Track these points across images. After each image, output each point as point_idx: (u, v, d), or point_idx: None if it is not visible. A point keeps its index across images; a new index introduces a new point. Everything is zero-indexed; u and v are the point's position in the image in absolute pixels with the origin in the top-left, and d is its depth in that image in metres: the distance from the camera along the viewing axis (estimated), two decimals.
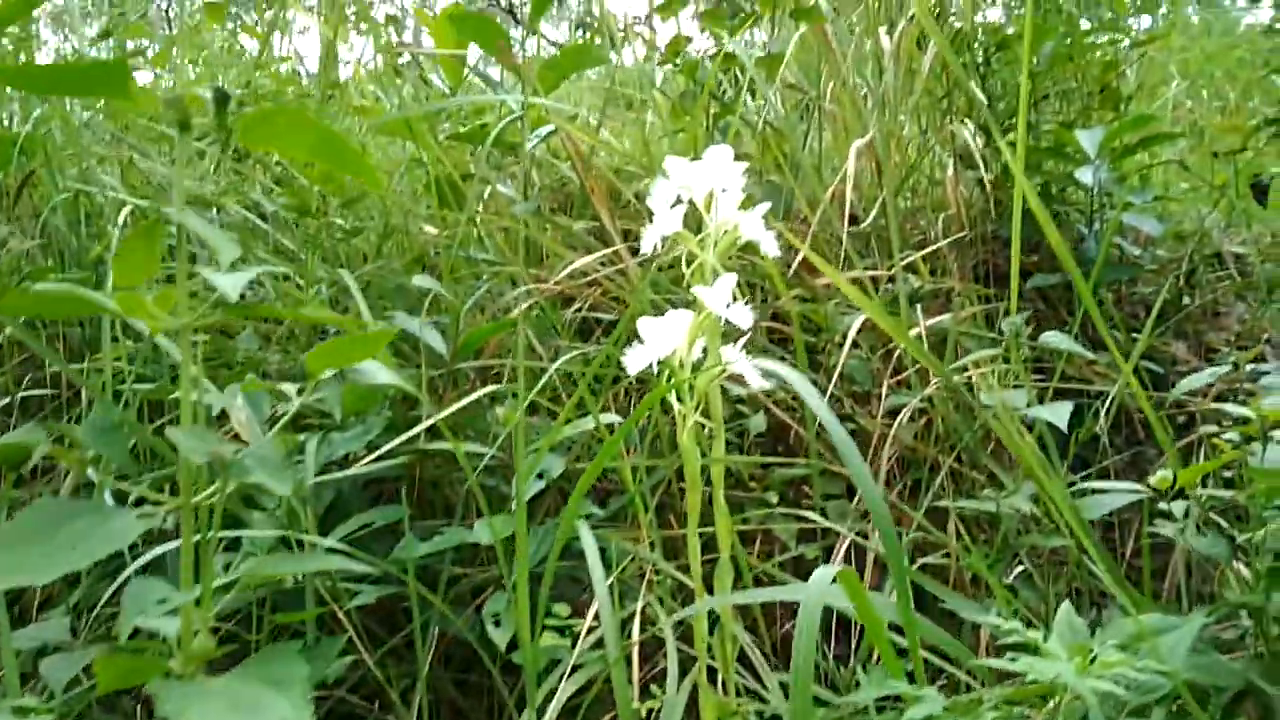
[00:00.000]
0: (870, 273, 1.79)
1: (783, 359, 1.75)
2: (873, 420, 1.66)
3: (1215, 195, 2.03)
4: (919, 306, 1.73)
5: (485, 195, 1.90)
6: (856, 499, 1.57)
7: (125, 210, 1.80)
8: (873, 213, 1.86)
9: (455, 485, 1.55)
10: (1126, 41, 2.17)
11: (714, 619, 1.13)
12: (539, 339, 1.69)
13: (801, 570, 1.58)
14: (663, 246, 1.12)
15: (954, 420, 1.60)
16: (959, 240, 1.90)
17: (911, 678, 0.85)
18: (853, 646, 1.44)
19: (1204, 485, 1.41)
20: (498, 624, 1.26)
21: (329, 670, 1.18)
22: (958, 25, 2.09)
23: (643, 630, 1.29)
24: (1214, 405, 1.65)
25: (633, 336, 1.08)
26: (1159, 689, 0.84)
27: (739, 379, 1.10)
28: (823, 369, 1.75)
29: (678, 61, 1.98)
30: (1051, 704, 0.80)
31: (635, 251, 1.71)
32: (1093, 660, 0.77)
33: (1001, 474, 1.55)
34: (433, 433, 1.39)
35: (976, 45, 1.99)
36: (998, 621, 0.82)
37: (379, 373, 0.72)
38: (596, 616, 1.22)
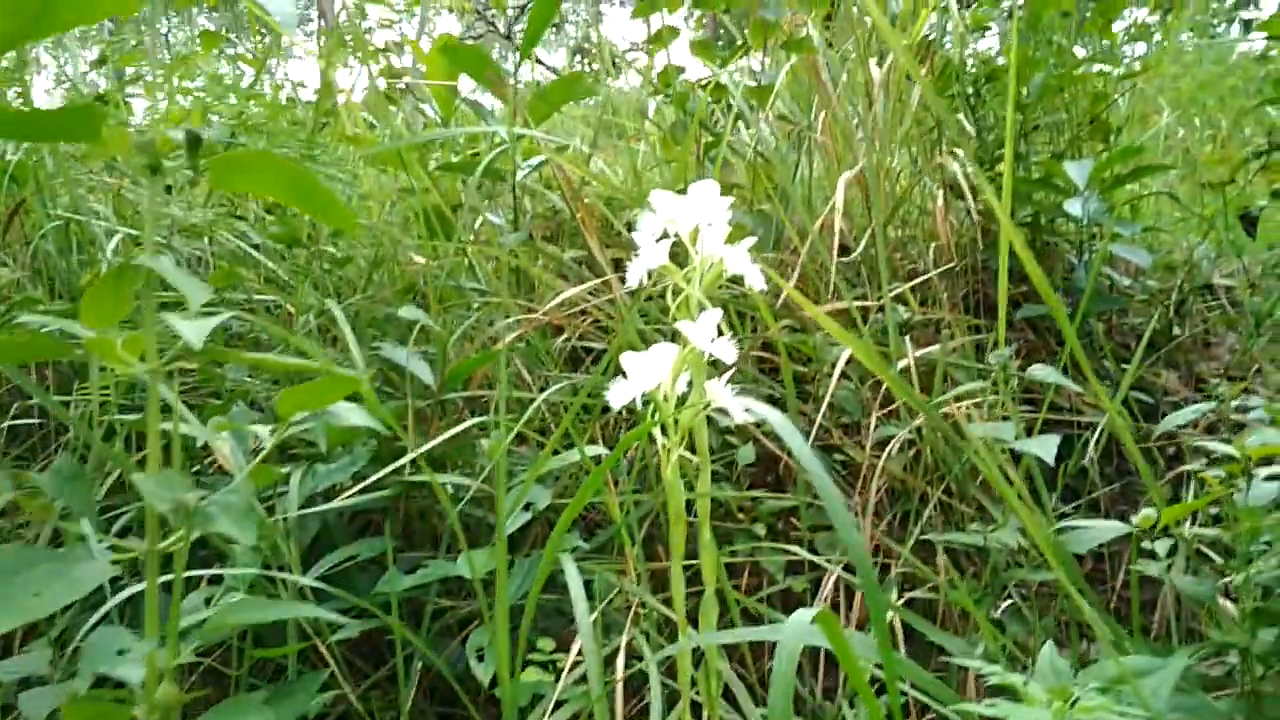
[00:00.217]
0: (860, 303, 1.79)
1: (773, 389, 1.75)
2: (862, 451, 1.65)
3: (1205, 226, 2.04)
4: (908, 337, 1.73)
5: (476, 225, 1.90)
6: None
7: (116, 239, 1.81)
8: (863, 242, 1.87)
9: (443, 516, 1.55)
10: (1118, 71, 2.18)
11: (699, 653, 1.12)
12: (528, 369, 1.69)
13: (790, 603, 1.57)
14: (649, 279, 1.12)
15: (943, 452, 1.60)
16: (949, 270, 1.90)
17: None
18: (841, 679, 1.43)
19: (1193, 520, 1.41)
20: (481, 659, 1.25)
21: (310, 705, 1.16)
22: (950, 51, 2.10)
23: (628, 664, 1.28)
24: (1203, 439, 1.65)
25: (620, 368, 1.07)
26: None
27: (727, 410, 1.10)
28: (812, 399, 1.75)
29: (669, 92, 1.99)
30: None
31: (625, 282, 1.70)
32: (1073, 704, 0.76)
33: (991, 506, 1.54)
34: (420, 463, 1.38)
35: (966, 76, 2.00)
36: (979, 664, 0.82)
37: (351, 414, 0.72)
38: (581, 651, 1.21)
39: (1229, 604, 1.11)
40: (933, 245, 1.95)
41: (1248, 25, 4.89)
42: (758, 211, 1.95)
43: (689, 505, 1.10)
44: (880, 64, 1.97)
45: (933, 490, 1.60)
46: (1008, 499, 1.07)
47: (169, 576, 0.65)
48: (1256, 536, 0.99)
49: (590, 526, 1.63)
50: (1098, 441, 1.70)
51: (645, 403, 1.09)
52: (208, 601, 1.15)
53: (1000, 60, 2.04)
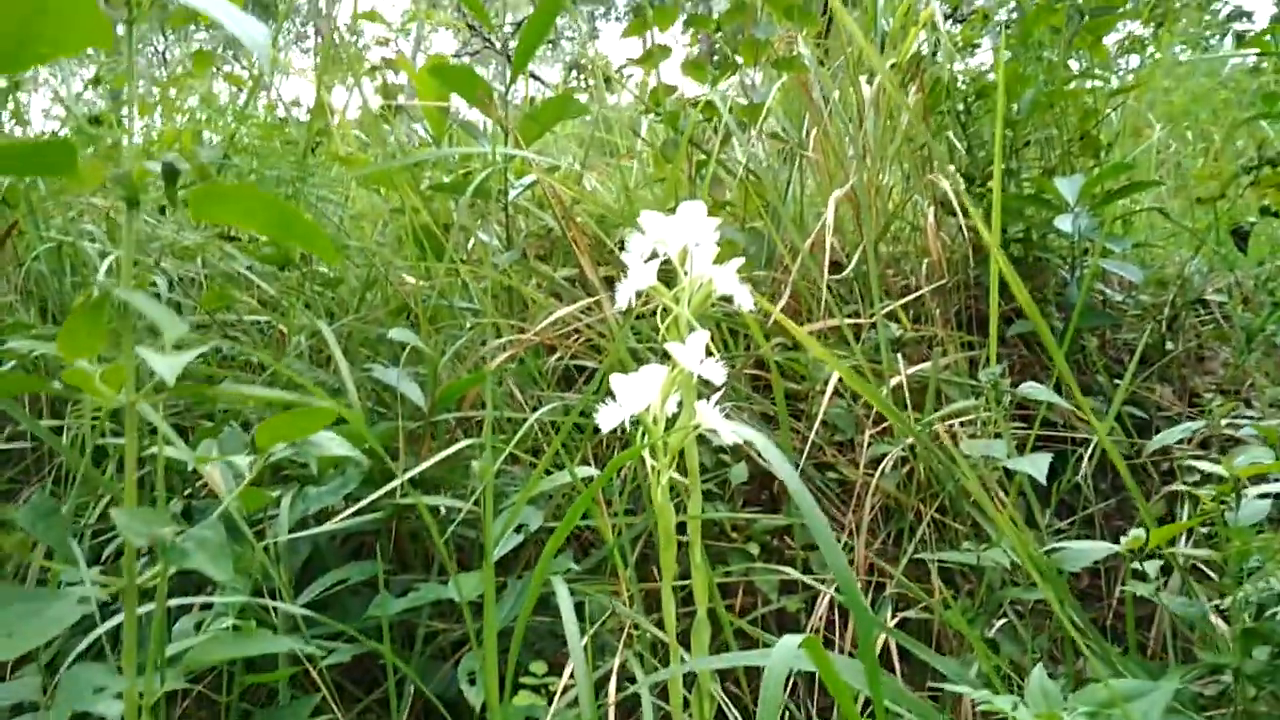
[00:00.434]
0: (852, 320, 1.79)
1: (766, 407, 1.75)
2: (855, 469, 1.65)
3: (1196, 241, 2.04)
4: (901, 354, 1.72)
5: (469, 244, 1.90)
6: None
7: (109, 260, 1.81)
8: (855, 259, 1.87)
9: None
10: (1110, 86, 2.18)
11: (692, 676, 1.11)
12: (521, 389, 1.69)
13: (784, 622, 1.57)
14: (638, 300, 1.12)
15: (937, 469, 1.59)
16: (941, 287, 1.90)
17: None
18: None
19: (1189, 537, 1.40)
20: (473, 682, 1.24)
21: None
22: (945, 64, 2.10)
23: (621, 687, 1.28)
24: (1197, 453, 1.65)
25: (611, 389, 1.07)
26: None
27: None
28: (806, 416, 1.75)
29: (660, 111, 1.99)
30: None
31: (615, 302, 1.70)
32: None
33: (985, 524, 1.54)
34: (412, 484, 1.38)
35: (957, 93, 2.00)
36: (968, 689, 0.81)
37: (332, 444, 0.72)
38: (573, 674, 1.21)
39: (1222, 624, 1.11)
40: (925, 261, 1.95)
41: (1240, 38, 4.91)
42: (750, 229, 1.95)
43: (681, 526, 1.09)
44: (870, 82, 1.97)
45: (926, 508, 1.60)
46: (996, 520, 1.07)
47: (151, 606, 0.65)
48: (1247, 556, 0.99)
49: (584, 547, 1.63)
50: (1091, 457, 1.70)
51: (635, 423, 1.09)
52: (198, 627, 1.15)
53: (991, 76, 2.05)
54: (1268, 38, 2.00)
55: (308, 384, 0.77)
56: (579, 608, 1.27)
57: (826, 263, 1.75)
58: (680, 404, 1.09)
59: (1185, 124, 3.25)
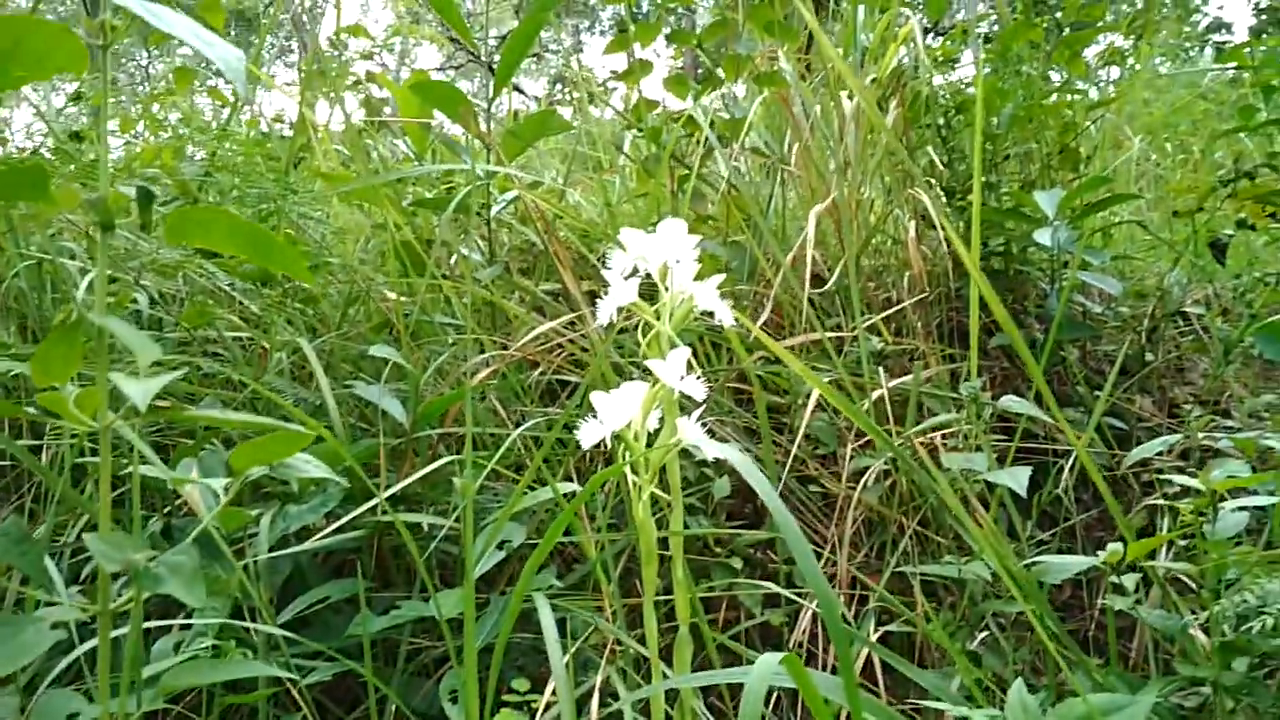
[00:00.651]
0: (833, 334, 1.79)
1: (749, 420, 1.75)
2: (838, 482, 1.66)
3: (1175, 253, 2.05)
4: (883, 367, 1.73)
5: (452, 260, 1.90)
6: (822, 561, 1.56)
7: (90, 277, 1.80)
8: (836, 272, 1.88)
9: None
10: (1088, 99, 2.20)
11: (674, 691, 1.11)
12: (503, 404, 1.69)
13: (768, 636, 1.57)
14: (619, 316, 1.12)
15: (919, 482, 1.60)
16: (922, 299, 1.91)
17: None
18: None
19: (1169, 549, 1.41)
20: (455, 700, 1.24)
21: None
22: (925, 79, 2.11)
23: (604, 704, 1.27)
24: (1176, 464, 1.66)
25: (592, 405, 1.07)
26: None
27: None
28: (788, 429, 1.75)
29: (642, 126, 2.00)
30: None
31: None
32: None
33: (967, 536, 1.54)
34: (395, 501, 1.38)
35: (937, 108, 2.01)
36: (948, 706, 0.82)
37: (308, 466, 0.72)
38: (555, 691, 1.20)
39: (1202, 636, 1.11)
40: (906, 275, 1.96)
41: (1220, 49, 4.96)
42: (732, 243, 1.96)
43: (664, 541, 1.09)
44: (851, 97, 1.98)
45: (909, 521, 1.60)
46: (973, 534, 1.08)
47: (123, 630, 0.64)
48: (1224, 569, 1.00)
49: (567, 562, 1.63)
50: (1073, 468, 1.70)
51: (618, 439, 1.09)
52: (177, 647, 1.14)
53: (971, 91, 2.06)
54: (1245, 51, 2.02)
55: (286, 405, 0.77)
56: (561, 624, 1.27)
57: (808, 276, 1.75)
58: (662, 420, 1.09)
59: (1165, 136, 3.27)
